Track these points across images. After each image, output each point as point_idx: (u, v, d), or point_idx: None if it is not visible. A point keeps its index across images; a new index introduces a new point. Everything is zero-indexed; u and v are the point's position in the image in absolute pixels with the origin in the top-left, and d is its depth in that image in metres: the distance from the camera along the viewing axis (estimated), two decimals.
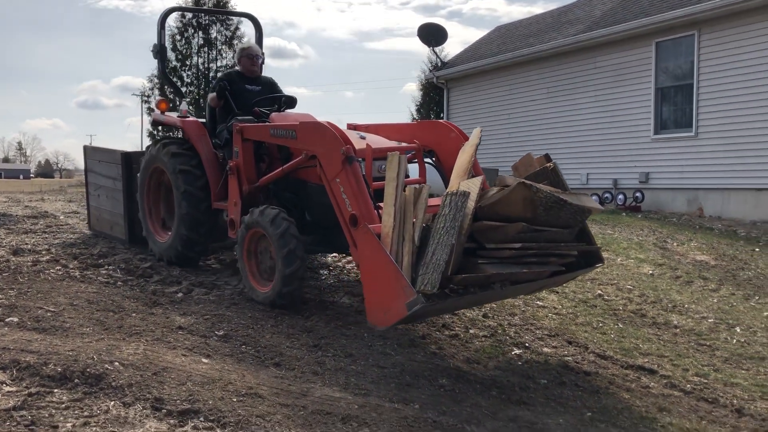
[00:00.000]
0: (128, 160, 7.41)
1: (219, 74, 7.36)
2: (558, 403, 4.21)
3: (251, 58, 6.60)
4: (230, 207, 5.87)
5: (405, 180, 4.76)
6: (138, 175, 6.98)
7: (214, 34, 27.10)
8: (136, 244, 7.28)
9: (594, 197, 12.11)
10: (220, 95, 6.31)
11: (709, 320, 6.17)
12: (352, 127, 6.14)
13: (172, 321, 4.94)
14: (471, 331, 5.31)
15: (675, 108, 13.01)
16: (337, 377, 4.20)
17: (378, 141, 5.33)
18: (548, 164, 4.42)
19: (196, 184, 6.26)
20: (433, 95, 25.35)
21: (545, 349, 5.10)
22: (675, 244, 9.15)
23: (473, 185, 4.13)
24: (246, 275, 5.47)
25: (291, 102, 6.46)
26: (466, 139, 5.08)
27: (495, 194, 4.11)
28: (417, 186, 4.27)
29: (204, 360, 4.28)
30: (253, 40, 7.59)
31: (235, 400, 3.72)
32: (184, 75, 27.83)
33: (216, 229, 6.43)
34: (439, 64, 19.54)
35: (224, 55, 27.65)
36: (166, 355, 4.24)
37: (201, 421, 3.46)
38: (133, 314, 5.09)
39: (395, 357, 4.62)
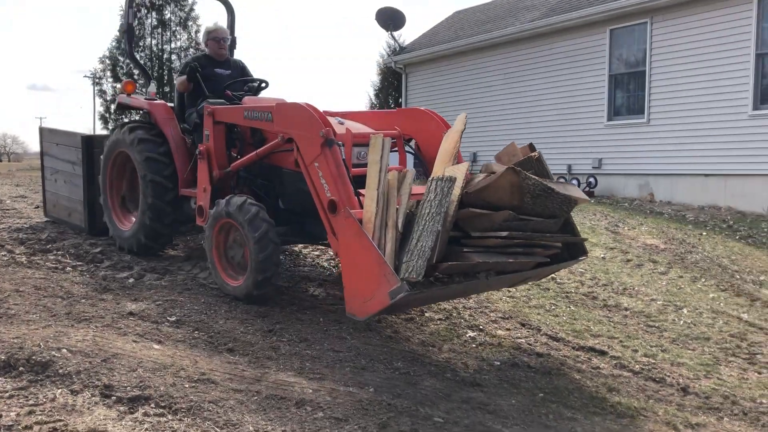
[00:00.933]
0: (89, 143, 7.09)
1: (186, 58, 6.92)
2: (511, 384, 4.27)
3: (218, 41, 6.38)
4: (199, 193, 5.65)
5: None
6: (101, 158, 6.70)
7: (168, 15, 26.49)
8: (97, 233, 7.00)
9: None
10: (191, 78, 6.07)
11: (658, 302, 6.33)
12: (328, 114, 6.05)
13: (122, 307, 4.84)
14: (426, 315, 5.34)
15: (628, 95, 13.24)
16: (291, 362, 4.18)
17: (358, 127, 5.18)
18: (533, 153, 4.32)
19: (164, 173, 6.02)
20: (392, 80, 25.30)
21: (499, 332, 5.16)
22: (626, 228, 9.34)
23: (459, 171, 4.03)
24: (216, 269, 5.25)
25: (263, 85, 6.29)
26: (448, 127, 5.02)
27: (482, 180, 4.02)
28: (401, 171, 4.15)
29: (155, 346, 4.21)
30: (223, 23, 7.30)
31: (187, 386, 3.67)
32: (137, 56, 27.20)
33: (181, 218, 6.25)
34: (398, 49, 19.49)
35: (179, 36, 27.10)
36: (117, 342, 4.16)
37: (152, 407, 3.41)
38: (83, 300, 4.97)
39: (351, 341, 4.61)
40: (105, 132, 25.51)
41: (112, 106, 27.38)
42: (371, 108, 25.74)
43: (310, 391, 3.79)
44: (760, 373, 4.97)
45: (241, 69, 6.55)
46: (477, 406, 3.86)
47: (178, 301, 5.08)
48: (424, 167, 5.22)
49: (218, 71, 6.30)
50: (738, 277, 7.39)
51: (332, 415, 3.52)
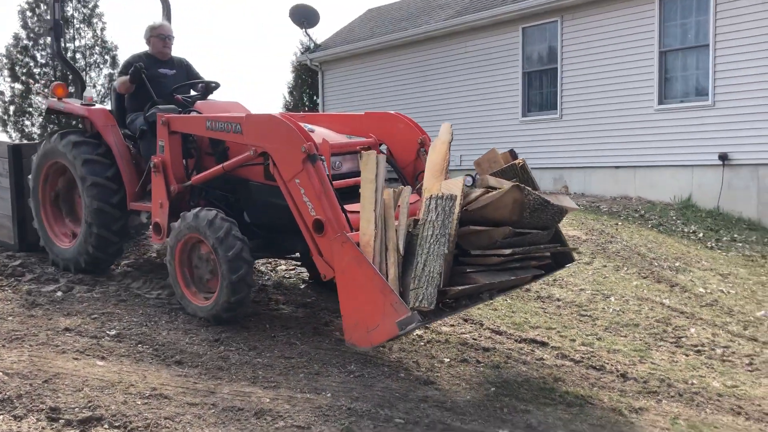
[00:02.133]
0: (17, 153, 6.47)
1: (128, 57, 6.24)
2: (463, 380, 4.34)
3: (163, 38, 5.96)
4: (154, 209, 5.18)
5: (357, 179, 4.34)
6: (29, 177, 6.11)
7: (70, 11, 25.22)
8: (27, 249, 6.41)
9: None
10: (135, 79, 5.61)
11: (587, 292, 6.59)
12: (287, 118, 5.78)
13: (56, 322, 4.60)
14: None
15: (541, 91, 13.68)
16: (244, 371, 4.10)
17: (333, 137, 4.90)
18: (517, 161, 4.19)
19: (105, 174, 5.56)
20: (305, 77, 25.07)
21: (444, 328, 5.24)
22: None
23: (456, 187, 3.77)
24: (179, 289, 4.87)
25: (214, 87, 5.92)
26: (421, 131, 4.94)
27: (484, 198, 3.81)
28: (395, 188, 3.92)
29: (99, 362, 4.03)
30: (161, 19, 6.77)
31: (139, 402, 3.54)
32: (38, 55, 25.74)
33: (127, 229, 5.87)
34: (312, 47, 19.35)
35: (83, 34, 25.83)
36: (56, 360, 3.95)
37: (105, 428, 3.27)
38: (10, 318, 4.70)
39: (301, 346, 4.57)
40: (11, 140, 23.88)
41: (11, 108, 25.68)
42: (286, 106, 25.45)
43: (268, 400, 3.73)
44: (687, 355, 5.27)
45: (186, 68, 6.17)
46: (434, 405, 3.90)
47: (114, 313, 4.88)
48: (399, 174, 5.07)
49: (162, 71, 5.93)
50: (656, 264, 7.80)
51: (294, 424, 3.48)
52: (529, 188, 3.81)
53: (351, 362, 4.38)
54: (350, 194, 4.37)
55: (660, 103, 11.63)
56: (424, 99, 15.60)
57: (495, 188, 3.88)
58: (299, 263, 6.15)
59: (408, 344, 4.84)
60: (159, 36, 5.98)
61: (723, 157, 10.75)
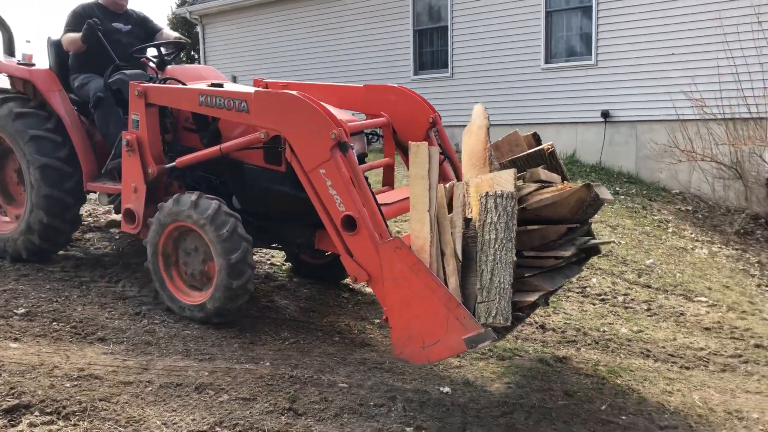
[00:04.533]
0: None
1: (75, 7, 5.03)
2: None
3: None
4: (126, 193, 4.48)
5: (368, 164, 3.99)
6: None
7: None
8: None
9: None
10: (89, 38, 4.76)
11: None
12: (263, 84, 5.12)
13: None
14: (295, 280, 5.27)
15: (432, 49, 13.79)
16: (174, 345, 3.93)
17: (341, 115, 4.18)
18: (545, 146, 3.84)
19: (58, 154, 4.81)
20: (183, 32, 23.87)
21: (368, 289, 5.25)
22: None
23: (507, 180, 3.30)
24: (163, 283, 4.28)
25: (183, 46, 5.19)
26: (431, 108, 4.50)
27: (546, 195, 3.42)
28: (448, 185, 3.49)
29: (13, 345, 3.72)
30: None
31: (68, 385, 3.32)
32: None
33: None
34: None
35: None
36: None
37: (36, 415, 3.04)
38: None
39: None
40: None
41: None
42: None
43: (206, 373, 3.60)
44: (594, 304, 5.60)
45: (143, 23, 5.33)
46: (374, 366, 3.94)
47: (18, 290, 4.51)
48: (406, 156, 4.34)
49: (116, 26, 5.08)
50: None
51: (239, 396, 3.39)
52: (595, 187, 3.45)
53: (284, 329, 4.32)
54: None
55: (546, 62, 12.04)
56: (316, 56, 15.32)
57: (546, 182, 3.54)
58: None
59: (336, 308, 4.83)
60: None
61: (605, 114, 11.35)
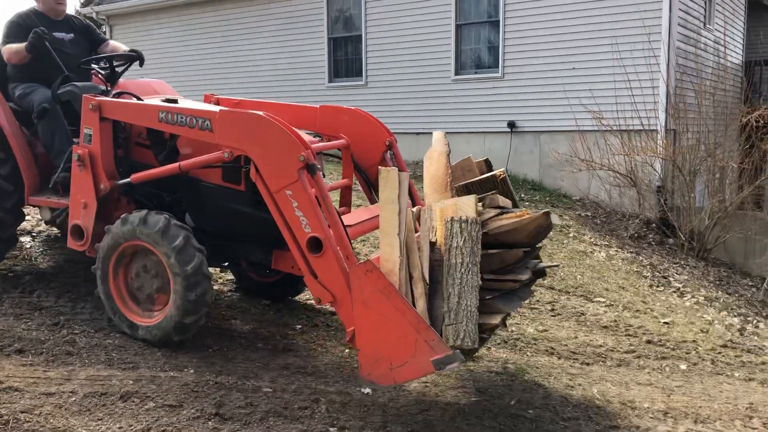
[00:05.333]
0: None
1: (12, 17, 4.86)
2: (318, 344, 4.54)
3: None
4: (75, 209, 4.32)
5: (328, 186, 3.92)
6: None
7: None
8: None
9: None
10: (35, 48, 4.58)
11: None
12: (215, 101, 5.05)
13: None
14: (216, 287, 5.32)
15: (347, 57, 14.00)
16: (96, 354, 3.94)
17: (304, 136, 4.11)
18: (497, 173, 3.98)
19: (1, 171, 4.64)
20: None
21: (298, 298, 5.36)
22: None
23: (469, 206, 3.40)
24: (114, 305, 4.14)
25: (137, 59, 5.01)
26: (387, 131, 4.53)
27: (507, 222, 3.53)
28: (415, 209, 3.59)
29: None
30: None
31: None
32: None
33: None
34: None
35: None
36: None
37: None
38: None
39: None
40: None
41: None
42: None
43: (131, 382, 3.64)
44: None
45: (85, 31, 5.16)
46: (296, 371, 4.07)
47: None
48: (363, 178, 4.64)
49: (58, 35, 4.88)
50: None
51: (165, 403, 3.45)
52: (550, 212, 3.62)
53: (206, 337, 4.38)
54: None
55: (456, 73, 12.49)
56: (228, 62, 15.21)
57: (503, 207, 3.71)
58: None
59: (258, 315, 4.93)
60: None
61: (511, 125, 11.90)
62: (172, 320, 3.95)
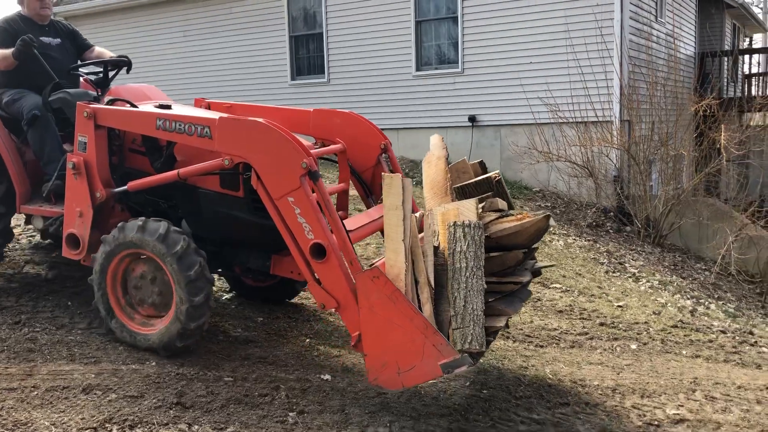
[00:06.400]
0: None
1: None
2: (279, 335, 4.64)
3: None
4: (70, 218, 4.25)
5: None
6: None
7: None
8: None
9: None
10: (24, 53, 4.51)
11: (371, 246, 7.22)
12: (206, 105, 5.01)
13: None
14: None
15: (309, 55, 14.07)
16: (58, 350, 4.00)
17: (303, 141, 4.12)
18: (492, 174, 4.00)
19: None
20: None
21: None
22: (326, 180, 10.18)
23: (470, 210, 3.45)
24: (113, 314, 4.09)
25: (126, 64, 4.93)
26: (381, 134, 4.53)
27: (508, 225, 3.58)
28: (418, 213, 3.58)
29: None
30: None
31: None
32: None
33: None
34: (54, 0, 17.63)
35: None
36: None
37: None
38: None
39: None
40: None
41: None
42: None
43: (93, 375, 3.71)
44: None
45: (71, 36, 5.10)
46: (257, 360, 4.17)
47: None
48: (359, 181, 4.57)
49: (45, 40, 4.82)
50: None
51: (126, 395, 3.53)
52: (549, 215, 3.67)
53: None
54: None
55: (417, 69, 12.66)
56: (189, 61, 15.18)
57: (502, 210, 3.76)
58: None
59: (219, 308, 5.01)
60: None
61: (472, 119, 12.10)
62: (175, 326, 3.90)
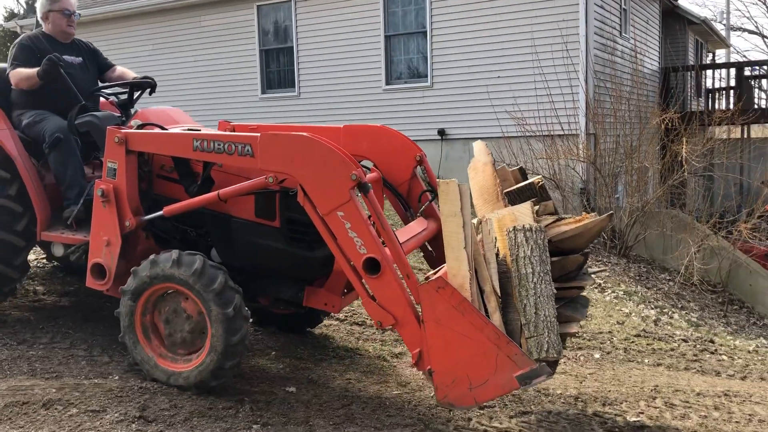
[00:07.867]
0: None
1: (20, 38, 4.67)
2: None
3: (68, 15, 4.66)
4: (96, 247, 4.02)
5: None
6: None
7: None
8: None
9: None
10: (49, 73, 4.30)
11: None
12: (230, 128, 4.71)
13: None
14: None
15: (279, 69, 14.11)
16: (19, 366, 3.96)
17: None
18: (535, 180, 3.86)
19: (7, 192, 4.32)
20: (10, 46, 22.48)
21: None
22: None
23: (526, 214, 3.35)
24: (143, 351, 3.85)
25: (150, 86, 4.79)
26: (416, 147, 4.32)
27: (563, 226, 3.50)
28: (475, 221, 3.45)
29: None
30: None
31: None
32: None
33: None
34: (23, 12, 17.48)
35: None
36: None
37: None
38: None
39: (75, 335, 4.48)
40: None
41: None
42: None
43: (54, 390, 3.68)
44: None
45: (93, 55, 4.96)
46: None
47: None
48: (396, 196, 4.33)
49: (69, 59, 4.61)
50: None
51: (88, 409, 3.50)
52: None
53: None
54: None
55: (387, 83, 12.77)
56: (157, 76, 15.00)
57: (556, 213, 3.68)
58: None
59: None
60: (62, 12, 4.67)
61: (441, 132, 12.22)
62: (210, 365, 3.70)
